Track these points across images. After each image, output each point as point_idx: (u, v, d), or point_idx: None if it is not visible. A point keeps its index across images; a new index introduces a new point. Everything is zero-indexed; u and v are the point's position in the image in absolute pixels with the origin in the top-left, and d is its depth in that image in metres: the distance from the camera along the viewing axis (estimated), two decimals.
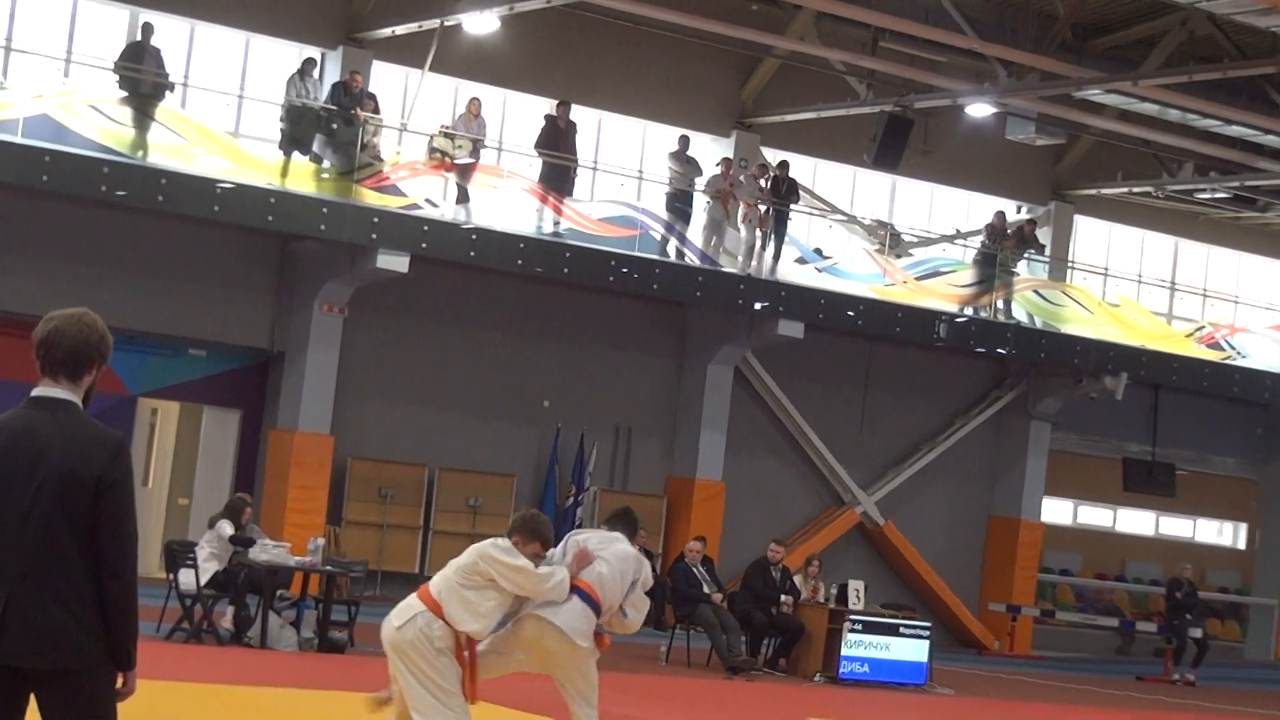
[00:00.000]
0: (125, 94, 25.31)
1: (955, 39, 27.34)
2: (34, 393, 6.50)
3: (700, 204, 29.90)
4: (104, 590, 6.35)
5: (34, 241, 25.45)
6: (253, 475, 27.55)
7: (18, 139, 23.91)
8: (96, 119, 24.93)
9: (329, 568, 20.07)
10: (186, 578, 19.53)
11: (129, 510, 6.44)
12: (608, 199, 29.79)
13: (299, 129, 26.37)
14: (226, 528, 20.08)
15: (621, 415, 30.50)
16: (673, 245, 29.36)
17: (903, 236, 33.67)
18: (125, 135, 25.06)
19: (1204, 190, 34.95)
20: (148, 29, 25.73)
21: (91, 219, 25.66)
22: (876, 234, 33.13)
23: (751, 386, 31.34)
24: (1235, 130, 30.61)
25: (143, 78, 25.25)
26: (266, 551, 19.73)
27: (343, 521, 27.39)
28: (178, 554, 19.66)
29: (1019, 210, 35.47)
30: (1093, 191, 35.90)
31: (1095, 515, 41.13)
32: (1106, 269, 36.73)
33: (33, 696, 6.41)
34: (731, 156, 30.95)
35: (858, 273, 31.40)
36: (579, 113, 29.24)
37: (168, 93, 25.72)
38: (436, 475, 28.52)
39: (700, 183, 29.88)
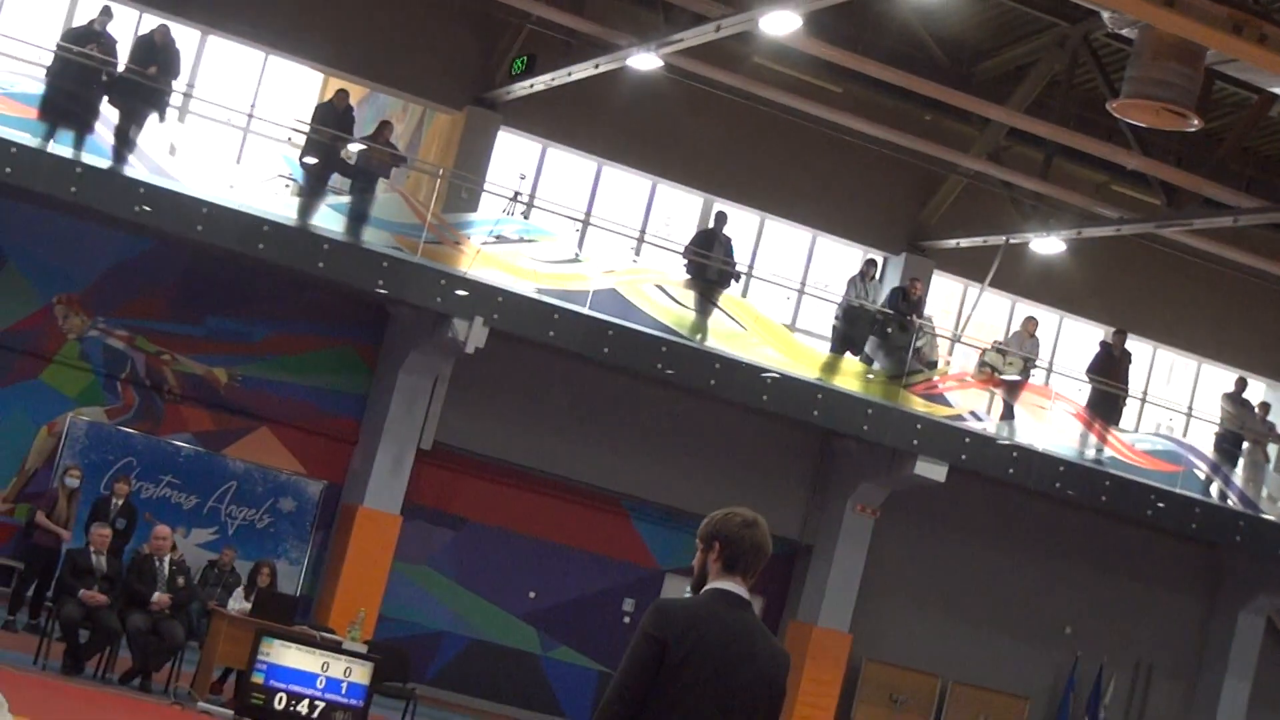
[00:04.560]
0: (690, 277, 26.11)
1: None
2: (729, 589, 6.49)
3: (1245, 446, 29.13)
4: None
5: (587, 410, 26.37)
6: None
7: (585, 310, 24.84)
8: (660, 299, 25.72)
9: None
10: None
11: None
12: (1153, 432, 29.30)
13: (854, 329, 26.75)
14: None
15: (1143, 651, 29.72)
16: (1215, 486, 28.60)
17: None
18: (686, 317, 25.78)
19: None
20: (721, 218, 26.51)
21: (643, 393, 26.45)
22: None
23: None
24: None
25: (710, 263, 25.98)
26: None
27: None
28: None
29: None
30: None
31: None
32: None
33: None
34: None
35: None
36: (1134, 342, 28.90)
37: (733, 281, 26.44)
38: (949, 688, 28.25)
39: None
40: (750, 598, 6.51)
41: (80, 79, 22.95)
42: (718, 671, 6.30)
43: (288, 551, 24.57)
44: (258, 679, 18.27)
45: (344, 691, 18.64)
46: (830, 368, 26.58)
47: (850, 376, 26.63)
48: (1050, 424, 27.49)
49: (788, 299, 28.44)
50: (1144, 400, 30.05)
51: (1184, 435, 29.71)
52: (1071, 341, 29.99)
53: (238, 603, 19.55)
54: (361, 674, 18.71)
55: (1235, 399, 29.29)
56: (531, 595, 26.71)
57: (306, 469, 25.40)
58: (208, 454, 24.72)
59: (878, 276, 27.39)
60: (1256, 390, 30.20)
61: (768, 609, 28.08)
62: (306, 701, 18.40)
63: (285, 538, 24.72)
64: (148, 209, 22.37)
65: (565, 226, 26.92)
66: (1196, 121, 16.49)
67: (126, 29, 24.26)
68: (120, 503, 21.69)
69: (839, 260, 28.60)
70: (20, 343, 24.21)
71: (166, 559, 19.86)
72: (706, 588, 6.52)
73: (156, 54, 23.40)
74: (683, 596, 6.63)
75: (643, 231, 27.69)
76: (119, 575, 19.68)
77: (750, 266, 27.89)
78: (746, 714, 6.35)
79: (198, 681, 19.34)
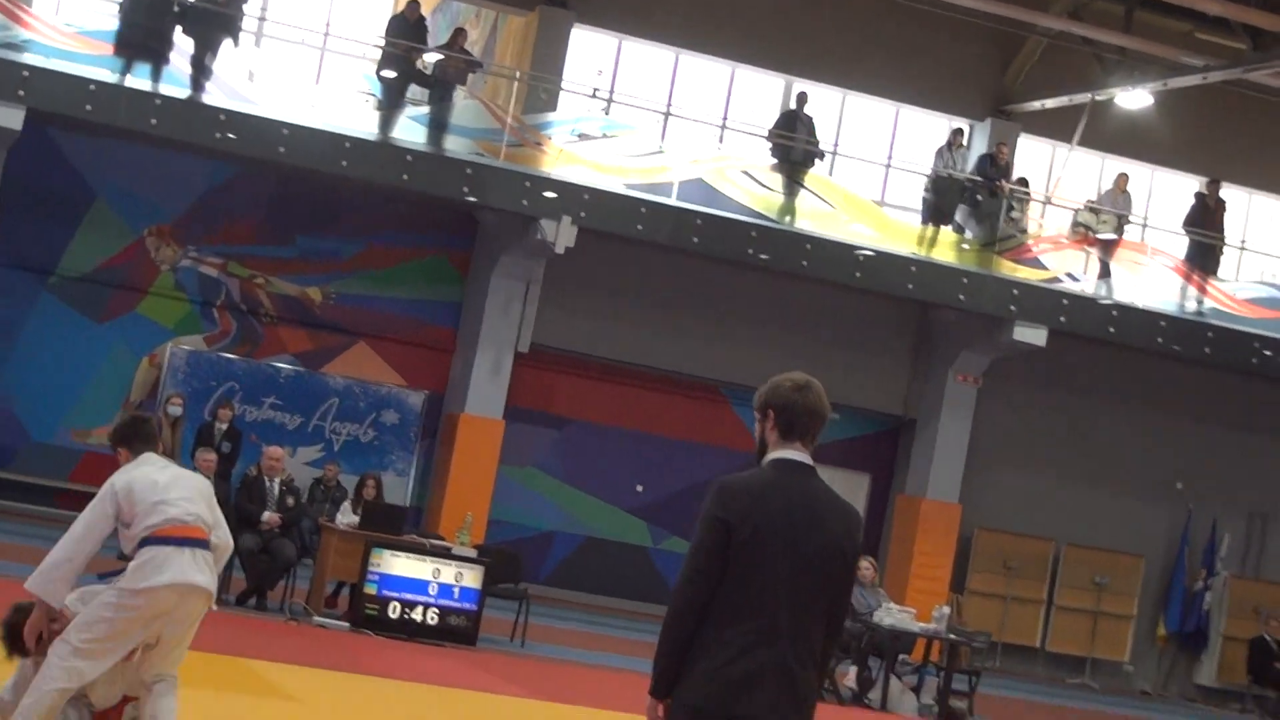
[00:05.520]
0: (776, 160, 26.02)
1: None
2: (789, 457, 6.45)
3: None
4: (824, 652, 6.46)
5: (681, 301, 26.41)
6: (878, 539, 27.81)
7: (672, 201, 24.83)
8: (747, 184, 25.68)
9: (953, 636, 20.09)
10: None
11: (854, 582, 6.63)
12: (1255, 279, 28.98)
13: (943, 199, 26.60)
14: None
15: (1256, 501, 29.52)
16: None
17: None
18: (774, 200, 25.73)
19: None
20: (802, 98, 26.36)
21: (735, 280, 26.44)
22: None
23: None
24: None
25: (794, 144, 25.88)
26: (891, 615, 19.87)
27: (965, 590, 27.34)
28: None
29: None
30: None
31: None
32: None
33: None
34: None
35: None
36: (1228, 190, 28.55)
37: (817, 160, 26.32)
38: (1062, 550, 28.20)
39: None
40: (813, 462, 6.45)
41: (153, 10, 22.99)
42: (786, 542, 6.30)
43: (394, 463, 24.83)
44: (370, 590, 18.52)
45: (457, 596, 18.87)
46: (923, 240, 26.47)
47: (944, 247, 26.52)
48: (1148, 279, 27.29)
49: (875, 174, 28.27)
50: (1243, 248, 29.68)
51: None
52: (1165, 195, 29.67)
53: (345, 516, 19.74)
54: (473, 578, 18.91)
55: None
56: (639, 489, 26.89)
57: (407, 380, 25.62)
58: (308, 373, 24.98)
59: (965, 144, 27.19)
60: None
61: (875, 484, 28.13)
62: (420, 608, 18.64)
63: (390, 450, 24.97)
64: (230, 135, 22.53)
65: (647, 119, 26.85)
66: None
67: None
68: (225, 427, 21.93)
69: (924, 131, 28.38)
70: (115, 278, 24.52)
71: (277, 479, 20.10)
72: (767, 458, 6.50)
73: None
74: (745, 472, 6.57)
75: (725, 118, 27.57)
76: (228, 498, 19.89)
77: (835, 145, 27.73)
78: (820, 579, 6.34)
79: (312, 597, 19.61)
